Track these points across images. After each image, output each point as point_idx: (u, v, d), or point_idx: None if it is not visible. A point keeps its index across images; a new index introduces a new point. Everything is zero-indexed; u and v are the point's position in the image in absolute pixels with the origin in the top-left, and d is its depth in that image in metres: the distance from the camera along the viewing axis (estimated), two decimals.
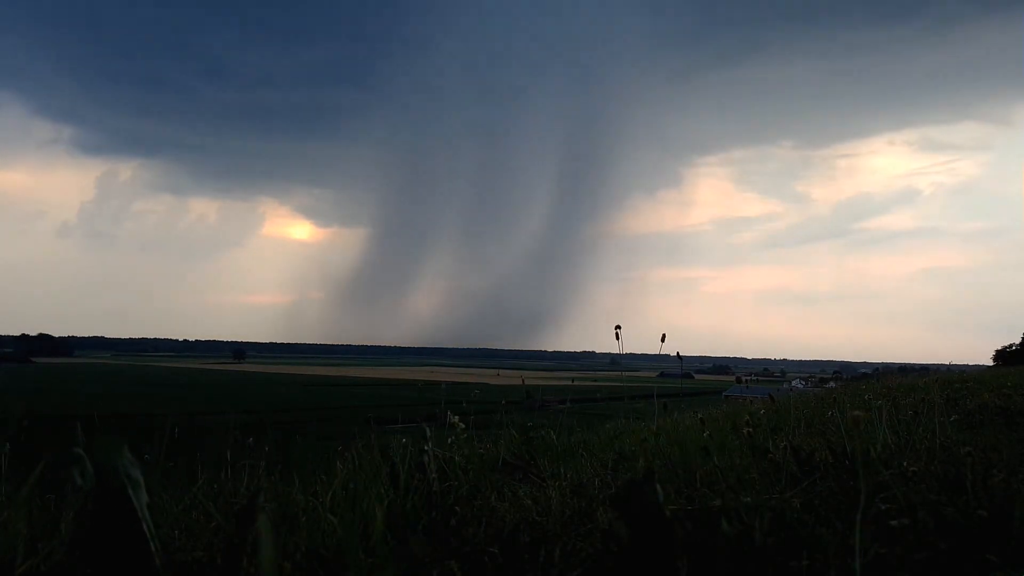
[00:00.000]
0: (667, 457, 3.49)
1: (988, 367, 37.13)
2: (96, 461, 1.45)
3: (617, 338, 4.06)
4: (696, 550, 1.92)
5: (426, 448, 2.86)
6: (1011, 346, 51.09)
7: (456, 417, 4.15)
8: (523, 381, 7.14)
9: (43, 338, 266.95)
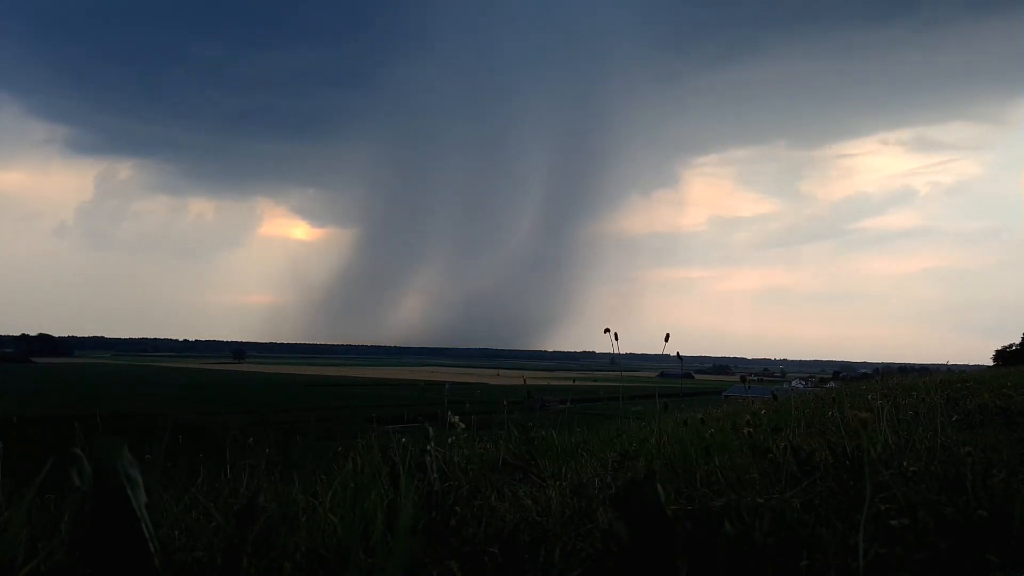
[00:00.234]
0: (667, 457, 3.49)
1: (988, 367, 37.12)
2: (95, 461, 1.45)
3: (616, 339, 4.06)
4: (696, 550, 1.92)
5: (427, 448, 2.86)
6: (1011, 346, 51.10)
7: (456, 417, 4.15)
8: (524, 381, 7.14)
9: (43, 338, 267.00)
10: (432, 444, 2.87)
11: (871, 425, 3.07)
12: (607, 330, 4.04)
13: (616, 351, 4.06)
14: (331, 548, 2.12)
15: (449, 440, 4.21)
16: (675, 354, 4.60)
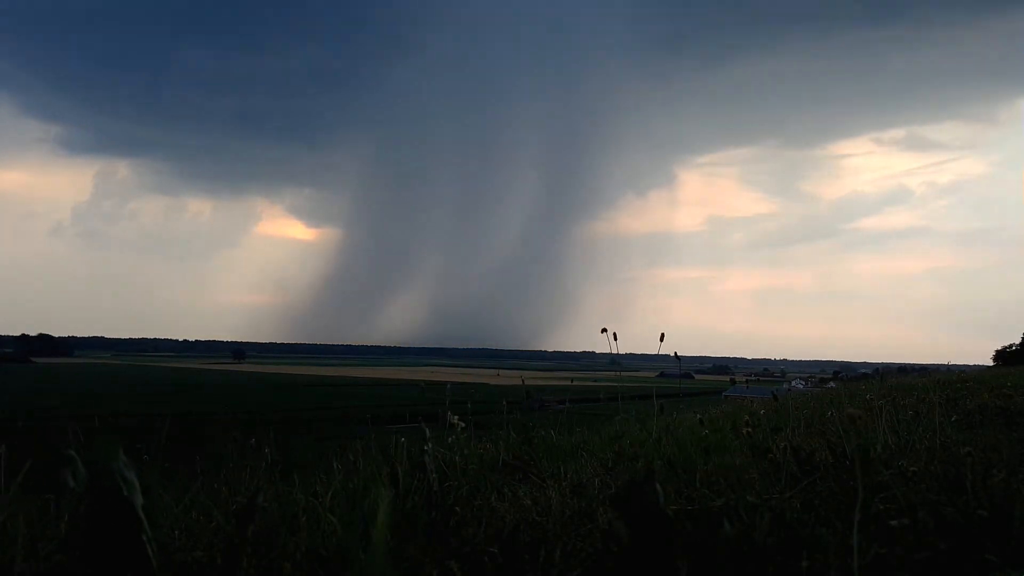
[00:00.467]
0: (667, 457, 3.49)
1: (988, 367, 37.12)
2: (90, 463, 1.44)
3: (615, 339, 4.06)
4: (696, 550, 1.92)
5: (426, 448, 2.86)
6: (1011, 346, 51.11)
7: (456, 417, 4.15)
8: (523, 381, 7.15)
9: (43, 338, 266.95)
10: (430, 444, 2.87)
11: (861, 422, 3.07)
12: (604, 330, 4.05)
13: (616, 351, 4.06)
14: (331, 548, 2.12)
15: (449, 440, 4.21)
16: (673, 354, 4.60)
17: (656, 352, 4.43)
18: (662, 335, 4.16)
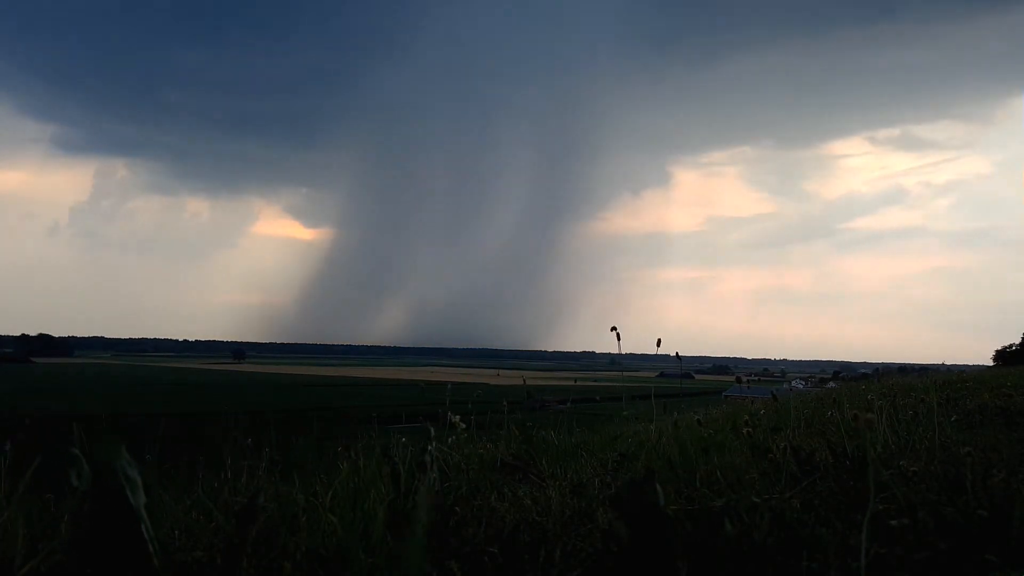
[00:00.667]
0: (667, 457, 3.49)
1: (988, 367, 37.12)
2: (93, 462, 1.45)
3: (618, 338, 4.06)
4: (696, 550, 1.92)
5: (428, 448, 2.86)
6: (1011, 346, 51.08)
7: (457, 417, 4.15)
8: (524, 381, 7.15)
9: (43, 338, 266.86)
10: (433, 444, 2.87)
11: (869, 424, 3.07)
12: (613, 328, 4.05)
13: (619, 351, 4.06)
14: (331, 548, 2.12)
15: (449, 440, 4.21)
16: (674, 354, 4.60)
17: (657, 352, 4.43)
18: (658, 340, 4.18)
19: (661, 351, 4.29)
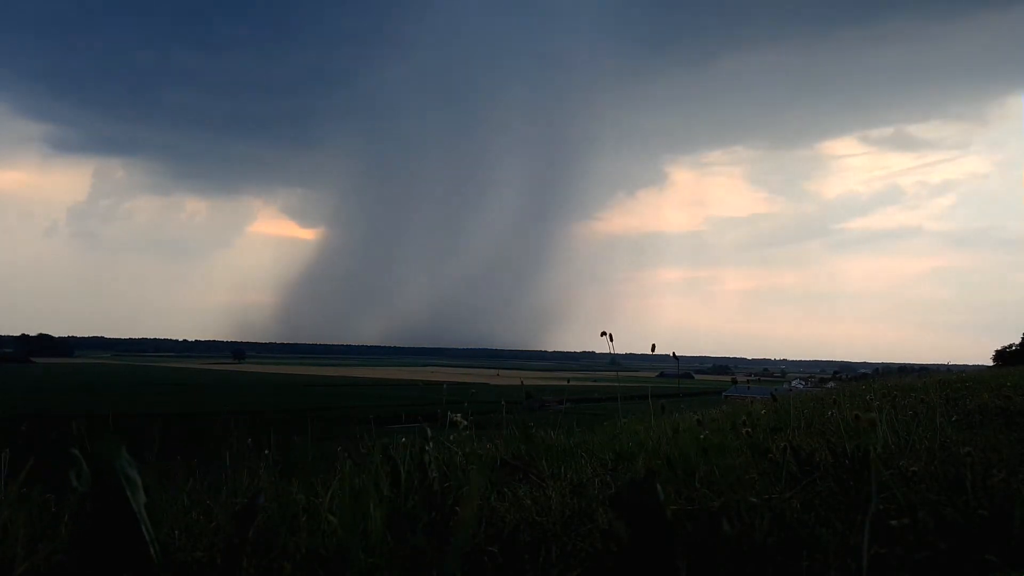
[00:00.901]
0: (666, 457, 3.49)
1: (988, 367, 37.10)
2: (94, 462, 1.45)
3: (610, 340, 4.08)
4: (696, 550, 1.92)
5: (427, 448, 2.86)
6: (1011, 346, 51.07)
7: (459, 415, 4.15)
8: (522, 382, 7.17)
9: (43, 338, 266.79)
10: (431, 444, 2.87)
11: (863, 423, 3.07)
12: (603, 333, 4.06)
13: (612, 350, 4.08)
14: (331, 548, 2.12)
15: (451, 437, 4.22)
16: (672, 354, 4.61)
17: (656, 352, 4.44)
18: (653, 345, 4.20)
19: (661, 351, 4.31)
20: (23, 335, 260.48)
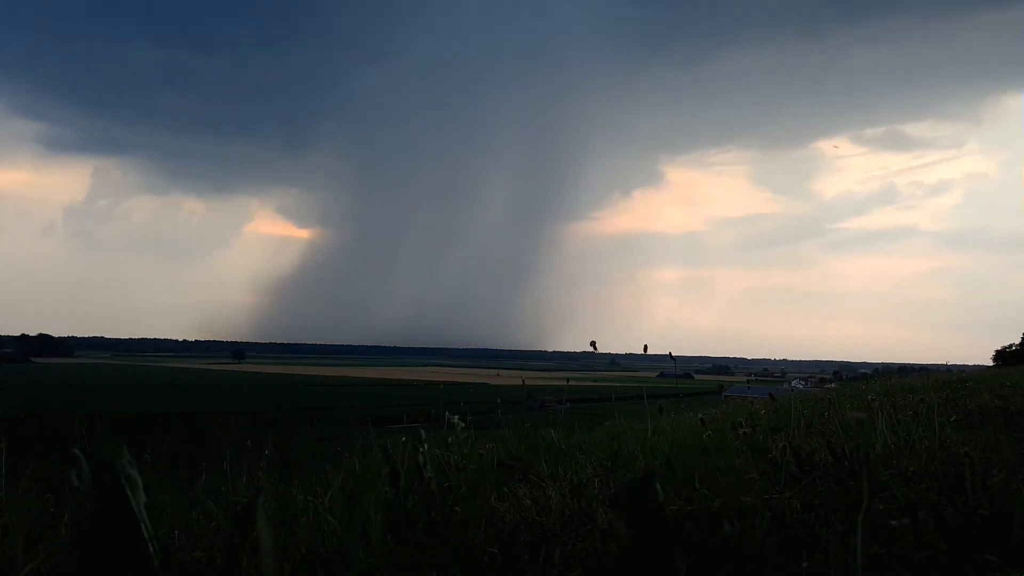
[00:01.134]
0: (666, 457, 3.49)
1: (988, 367, 37.08)
2: (94, 462, 1.45)
3: (595, 348, 4.12)
4: (696, 550, 1.92)
5: (421, 449, 2.86)
6: (1011, 346, 51.04)
7: (456, 417, 4.15)
8: (523, 381, 7.18)
9: (43, 338, 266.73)
10: (426, 445, 2.87)
11: (864, 424, 3.07)
12: (592, 343, 4.10)
13: (610, 353, 4.10)
14: (331, 548, 2.12)
15: (449, 440, 4.21)
16: (668, 354, 4.62)
17: (656, 352, 4.44)
18: (645, 346, 4.22)
19: (661, 351, 4.31)
20: (23, 335, 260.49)
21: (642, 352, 4.15)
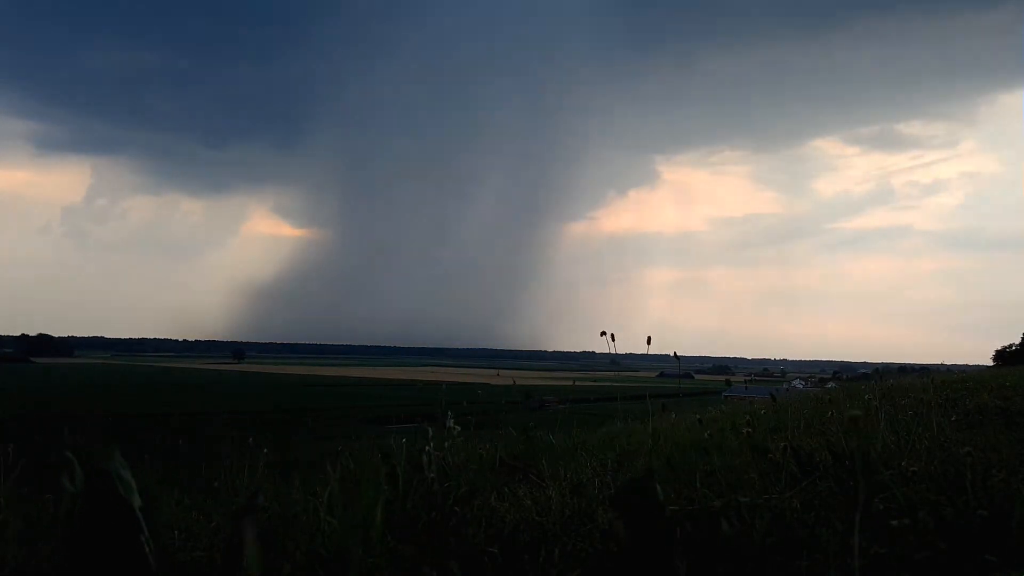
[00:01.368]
0: (666, 457, 3.49)
1: (988, 367, 37.08)
2: (87, 464, 1.44)
3: (613, 340, 4.07)
4: (696, 550, 1.92)
5: (426, 448, 2.86)
6: (1011, 346, 51.03)
7: (452, 421, 4.14)
8: (515, 382, 7.17)
9: (43, 338, 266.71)
10: (431, 444, 2.87)
11: (863, 424, 3.07)
12: (603, 333, 4.05)
13: (613, 351, 4.07)
14: (331, 548, 2.12)
15: (446, 444, 4.21)
16: (672, 354, 4.60)
17: (656, 352, 4.43)
18: (648, 338, 4.19)
19: (661, 351, 4.30)
20: (23, 335, 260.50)
21: (643, 351, 4.13)
